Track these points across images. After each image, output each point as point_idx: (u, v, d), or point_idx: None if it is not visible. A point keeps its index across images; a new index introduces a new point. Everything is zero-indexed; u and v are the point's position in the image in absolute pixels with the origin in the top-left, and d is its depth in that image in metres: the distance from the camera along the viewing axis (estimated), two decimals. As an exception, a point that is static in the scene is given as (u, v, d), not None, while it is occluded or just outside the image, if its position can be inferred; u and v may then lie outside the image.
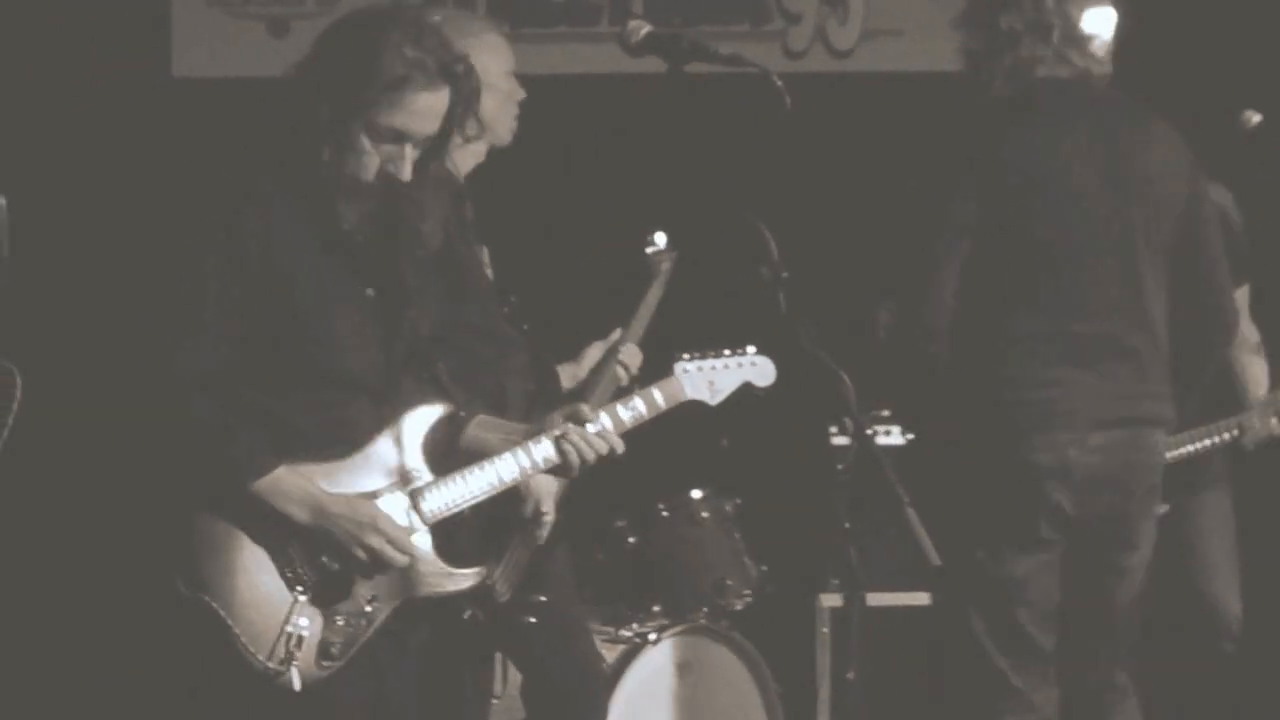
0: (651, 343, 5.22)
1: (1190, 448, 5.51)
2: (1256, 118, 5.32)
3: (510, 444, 3.88)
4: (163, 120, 6.62)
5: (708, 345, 4.24)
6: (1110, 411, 4.58)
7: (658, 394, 4.11)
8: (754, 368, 4.25)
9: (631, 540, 5.73)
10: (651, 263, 5.34)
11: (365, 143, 3.70)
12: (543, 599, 4.81)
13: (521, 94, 4.84)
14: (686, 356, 4.19)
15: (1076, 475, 4.53)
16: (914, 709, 6.13)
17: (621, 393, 4.70)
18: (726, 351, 4.23)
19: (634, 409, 4.05)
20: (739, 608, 5.79)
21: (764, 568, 5.88)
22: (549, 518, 4.68)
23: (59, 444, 6.08)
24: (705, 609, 5.72)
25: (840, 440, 5.83)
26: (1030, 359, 4.58)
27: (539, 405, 4.64)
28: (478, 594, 4.39)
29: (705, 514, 5.81)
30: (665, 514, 5.78)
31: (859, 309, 6.68)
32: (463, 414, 3.89)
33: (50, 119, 6.55)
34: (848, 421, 3.92)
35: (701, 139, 3.95)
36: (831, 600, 6.10)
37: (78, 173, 6.52)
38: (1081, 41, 4.67)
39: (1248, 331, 5.70)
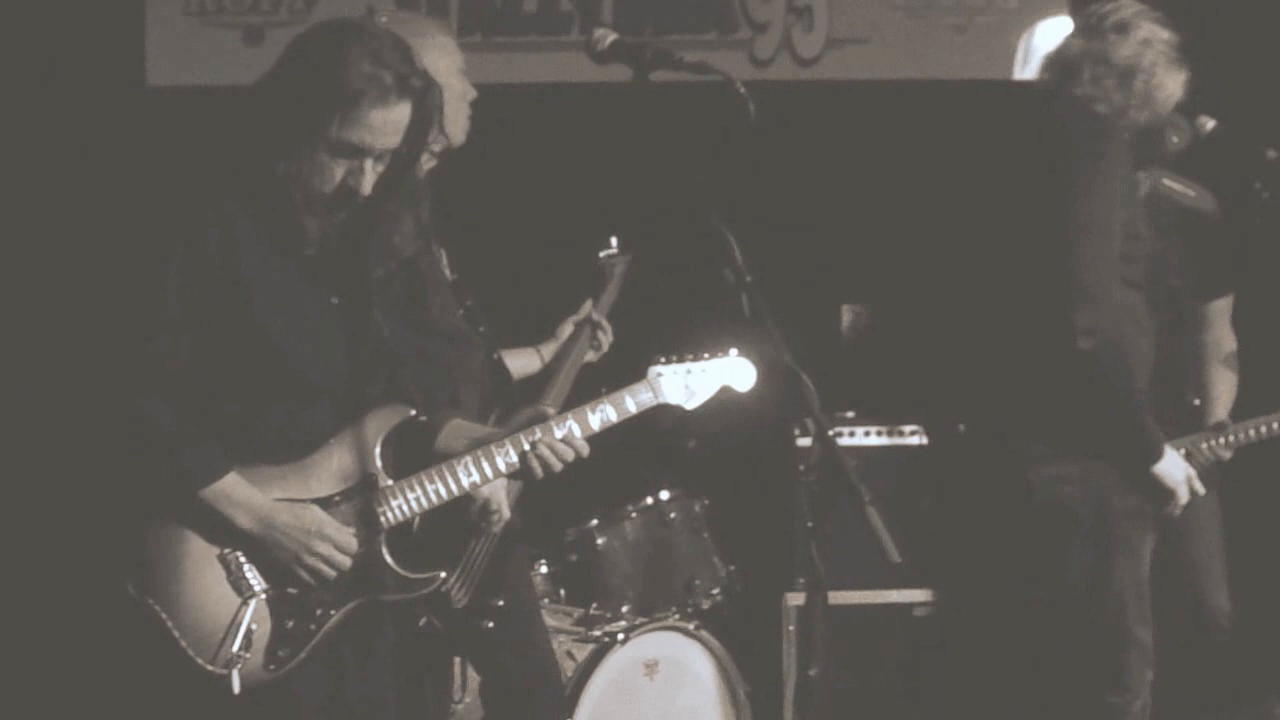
0: (620, 347, 5.26)
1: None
2: (1211, 124, 5.38)
3: (473, 448, 3.90)
4: (138, 129, 6.63)
5: (676, 349, 4.21)
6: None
7: (629, 399, 4.09)
8: (732, 370, 4.22)
9: (601, 541, 5.78)
10: (605, 266, 5.38)
11: (325, 156, 3.71)
12: (500, 603, 4.79)
13: (473, 94, 4.81)
14: (661, 360, 4.16)
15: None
16: (876, 704, 6.21)
17: (585, 398, 4.73)
18: (705, 355, 4.19)
19: (603, 413, 4.03)
20: (707, 607, 5.86)
21: (732, 567, 5.95)
22: (502, 517, 4.67)
23: (14, 444, 6.10)
24: (674, 608, 5.77)
25: (804, 441, 5.89)
26: None
27: (495, 406, 4.68)
28: (434, 601, 4.41)
29: (674, 515, 5.88)
30: (634, 515, 5.84)
31: (824, 311, 6.78)
32: (425, 418, 3.89)
33: (24, 127, 6.57)
34: (810, 422, 3.93)
35: (668, 145, 3.99)
36: (798, 599, 6.15)
37: (52, 181, 6.53)
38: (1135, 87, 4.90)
39: (1225, 340, 5.79)
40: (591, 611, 5.70)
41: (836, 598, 5.68)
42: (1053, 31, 6.18)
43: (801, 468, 3.89)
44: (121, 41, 6.86)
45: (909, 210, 6.82)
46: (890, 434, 6.38)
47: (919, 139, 6.83)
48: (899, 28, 7.26)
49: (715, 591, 5.87)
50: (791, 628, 6.19)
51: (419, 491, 3.85)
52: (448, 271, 4.71)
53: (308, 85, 3.70)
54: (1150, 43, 4.89)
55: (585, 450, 3.96)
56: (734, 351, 4.22)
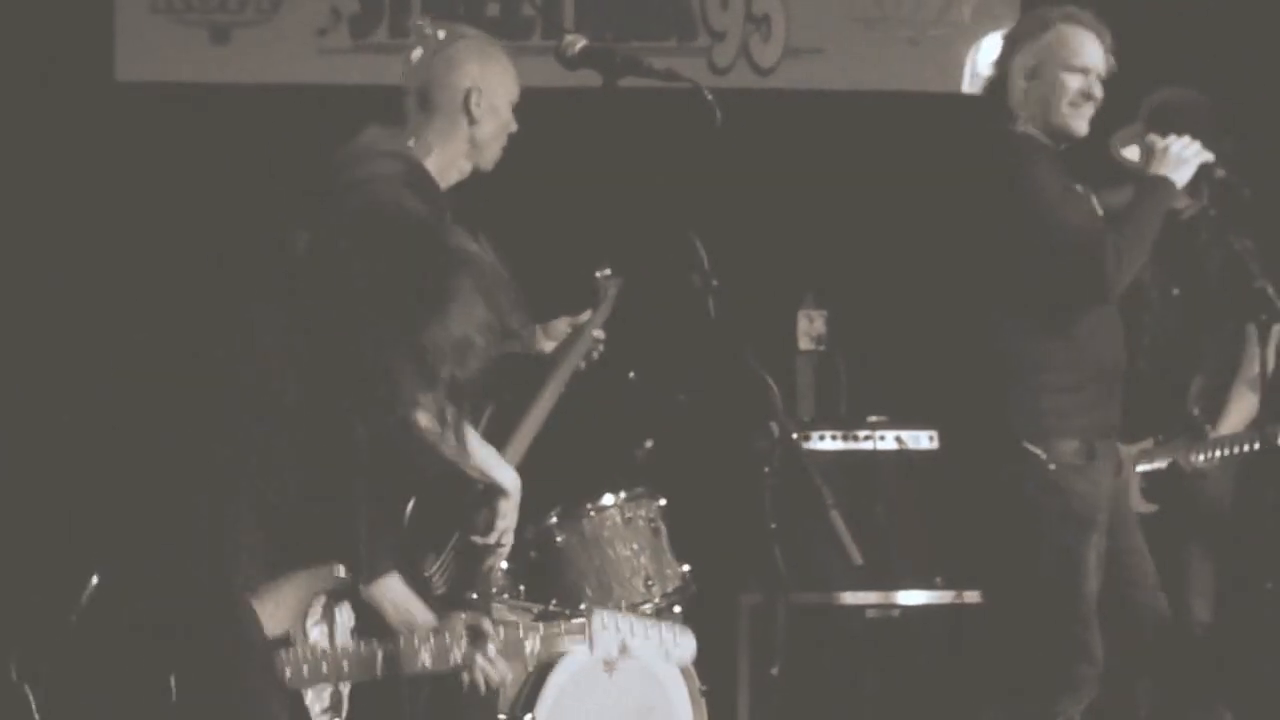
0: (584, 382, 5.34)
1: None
2: (1161, 143, 5.46)
3: (403, 626, 3.91)
4: (106, 124, 6.68)
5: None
6: None
7: (565, 638, 4.11)
8: (675, 645, 4.12)
9: (560, 539, 5.83)
10: (599, 287, 5.48)
11: (392, 355, 3.69)
12: (473, 596, 4.83)
13: (514, 127, 4.82)
14: (609, 605, 4.11)
15: None
16: (833, 705, 6.29)
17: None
18: (652, 616, 4.14)
19: (532, 642, 4.07)
20: (664, 605, 5.88)
21: (688, 567, 6.02)
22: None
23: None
24: (632, 605, 5.77)
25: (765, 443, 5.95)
26: None
27: (487, 409, 4.72)
28: (416, 589, 4.46)
29: (632, 513, 5.92)
30: (593, 513, 5.87)
31: (782, 315, 6.86)
32: (355, 580, 3.86)
33: (-8, 123, 6.60)
34: (773, 425, 3.99)
35: (633, 151, 4.05)
36: (753, 598, 6.23)
37: (20, 177, 6.55)
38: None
39: (1255, 361, 5.79)
40: (551, 608, 5.75)
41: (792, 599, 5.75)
42: (993, 46, 6.29)
43: (766, 470, 3.97)
44: (91, 37, 6.88)
45: (864, 218, 6.92)
46: (846, 439, 6.47)
47: (873, 149, 6.93)
48: (855, 39, 7.35)
49: (672, 590, 5.93)
50: (746, 627, 6.27)
51: (338, 666, 3.81)
52: None
53: (416, 318, 3.68)
54: (1039, 49, 5.10)
55: (507, 676, 4.00)
56: (678, 625, 4.15)
